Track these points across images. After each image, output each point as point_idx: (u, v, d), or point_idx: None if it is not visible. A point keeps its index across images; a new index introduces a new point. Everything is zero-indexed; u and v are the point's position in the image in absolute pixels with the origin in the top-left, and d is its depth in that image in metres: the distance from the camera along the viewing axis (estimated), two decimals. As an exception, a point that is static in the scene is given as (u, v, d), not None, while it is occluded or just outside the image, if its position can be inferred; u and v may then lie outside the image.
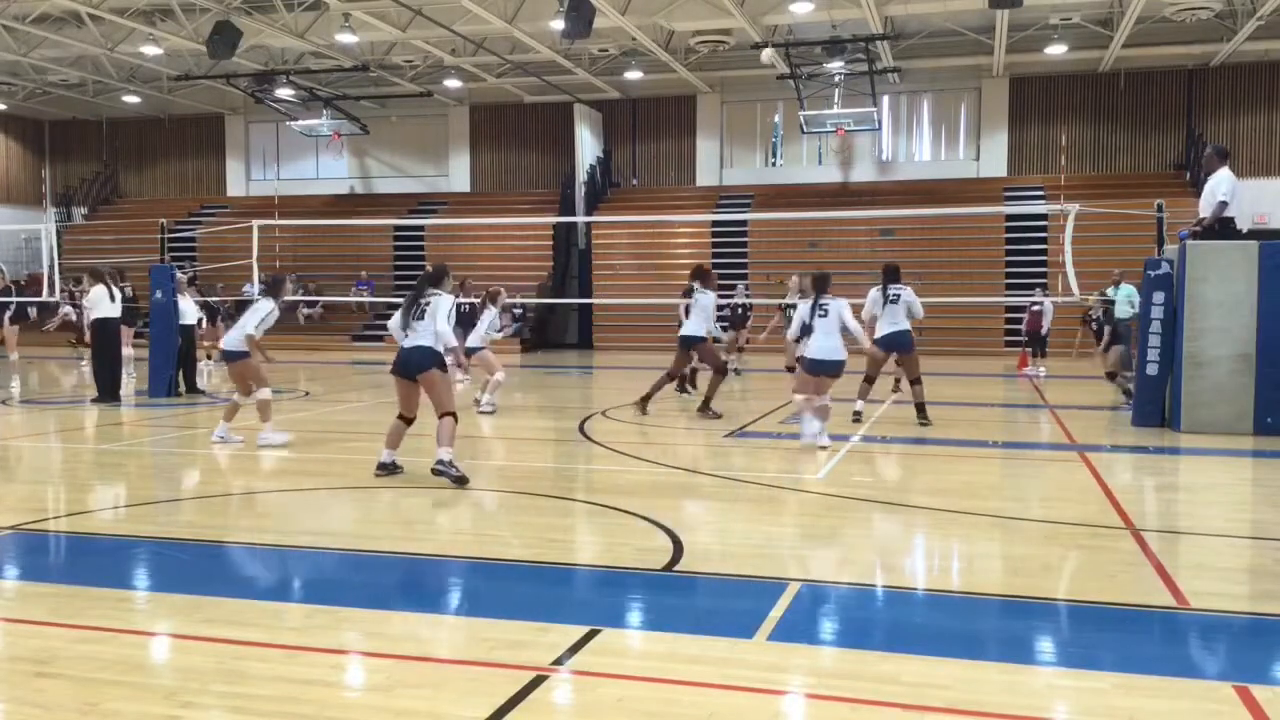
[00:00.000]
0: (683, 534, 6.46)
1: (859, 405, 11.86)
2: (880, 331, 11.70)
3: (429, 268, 8.91)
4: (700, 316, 12.32)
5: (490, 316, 13.42)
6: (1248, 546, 6.36)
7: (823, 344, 9.97)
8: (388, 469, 8.52)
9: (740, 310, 18.65)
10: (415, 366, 8.30)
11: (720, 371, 12.46)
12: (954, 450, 10.07)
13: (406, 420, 8.56)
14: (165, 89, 29.81)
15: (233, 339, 10.30)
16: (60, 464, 9.70)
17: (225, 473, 9.06)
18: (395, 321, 8.52)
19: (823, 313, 10.05)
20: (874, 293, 11.78)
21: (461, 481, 8.07)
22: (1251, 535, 6.66)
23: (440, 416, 8.24)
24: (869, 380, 11.93)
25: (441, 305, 8.35)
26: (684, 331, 12.47)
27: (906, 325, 11.74)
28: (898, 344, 11.74)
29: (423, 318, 8.34)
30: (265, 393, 10.33)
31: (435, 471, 8.15)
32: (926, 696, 3.87)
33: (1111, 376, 14.45)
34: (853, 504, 7.57)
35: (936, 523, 6.94)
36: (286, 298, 11.09)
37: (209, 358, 21.65)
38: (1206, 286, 10.88)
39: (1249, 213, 23.46)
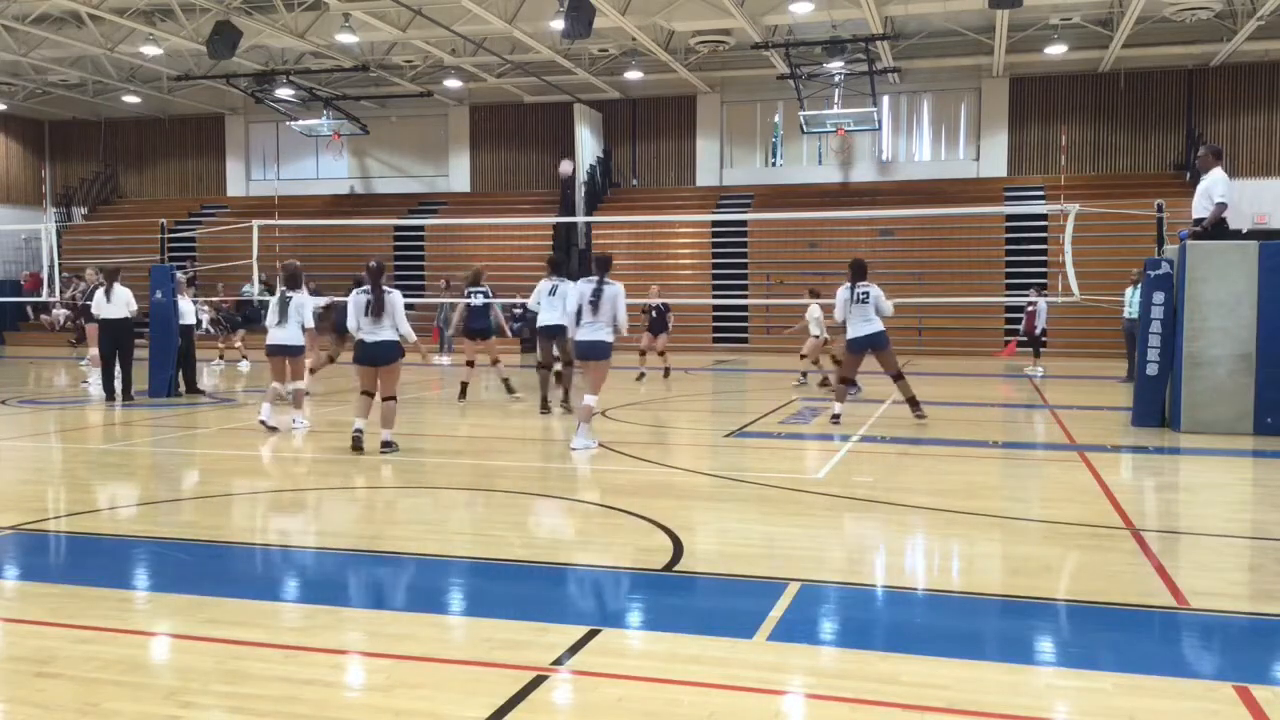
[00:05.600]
0: (683, 534, 6.46)
1: (837, 409, 11.73)
2: (852, 332, 11.56)
3: (373, 263, 10.00)
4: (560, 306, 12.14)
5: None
6: (1248, 546, 6.36)
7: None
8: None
9: (655, 313, 17.54)
10: (383, 357, 9.75)
11: (567, 364, 12.69)
12: (954, 450, 10.07)
13: (371, 395, 9.85)
14: (165, 89, 29.80)
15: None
16: (60, 464, 9.71)
17: (225, 473, 9.06)
18: (353, 321, 9.82)
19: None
20: (842, 293, 11.57)
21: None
22: (1251, 535, 6.66)
23: (386, 399, 9.74)
24: (844, 382, 11.91)
25: (397, 301, 9.74)
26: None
27: (879, 324, 11.50)
28: (872, 344, 11.56)
29: (377, 314, 9.67)
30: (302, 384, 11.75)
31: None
32: (926, 696, 3.87)
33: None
34: (853, 504, 7.57)
35: (936, 523, 6.94)
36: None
37: (221, 358, 21.68)
38: (1206, 286, 10.87)
39: (1249, 213, 23.51)
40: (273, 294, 12.11)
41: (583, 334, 9.88)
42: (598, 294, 9.79)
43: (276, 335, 11.23)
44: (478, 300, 14.20)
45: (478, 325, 14.26)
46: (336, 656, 4.38)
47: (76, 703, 3.84)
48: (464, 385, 14.30)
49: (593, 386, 9.95)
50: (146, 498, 8.10)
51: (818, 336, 15.70)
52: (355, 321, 9.67)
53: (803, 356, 16.45)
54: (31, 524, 6.90)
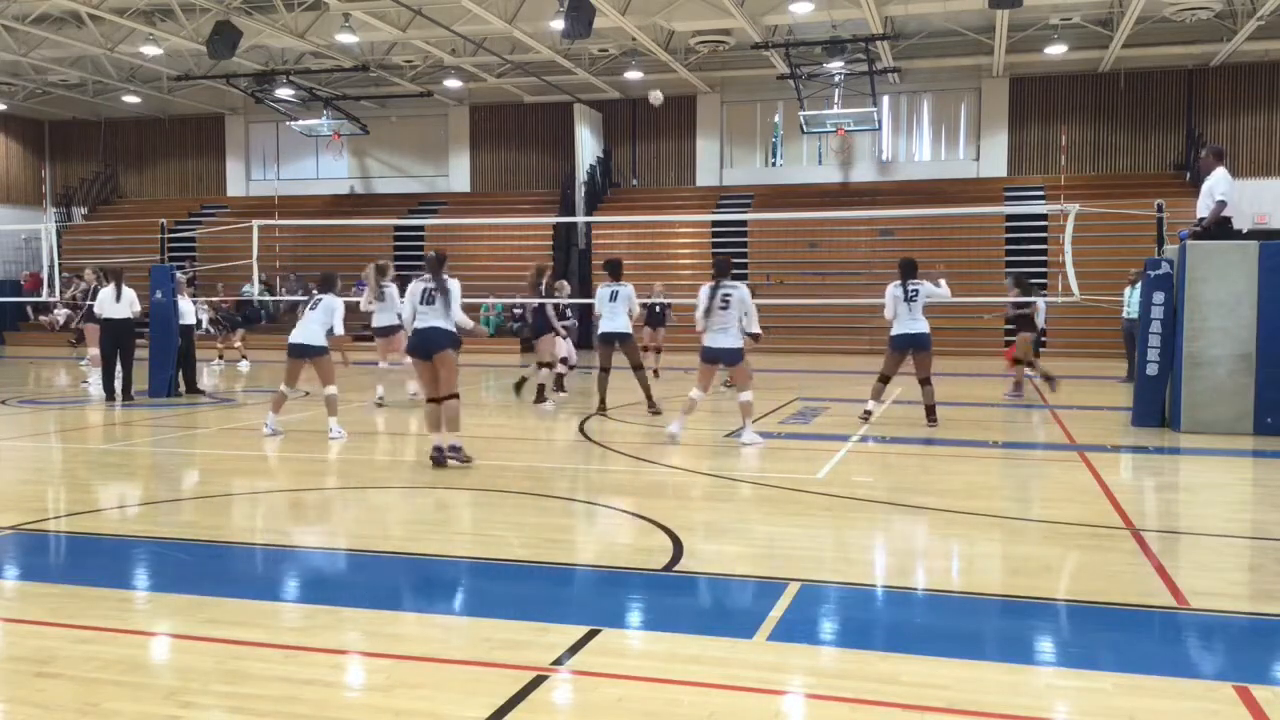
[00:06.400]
0: (683, 534, 6.46)
1: (870, 405, 11.83)
2: (897, 330, 11.53)
3: (433, 253, 9.40)
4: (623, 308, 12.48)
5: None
6: (1248, 546, 6.36)
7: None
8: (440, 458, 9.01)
9: (658, 309, 17.64)
10: (435, 345, 8.93)
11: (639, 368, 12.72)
12: (954, 450, 10.07)
13: (439, 401, 8.98)
14: (165, 89, 29.79)
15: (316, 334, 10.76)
16: (60, 464, 9.71)
17: (225, 473, 9.06)
18: (409, 310, 9.17)
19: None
20: (893, 289, 11.53)
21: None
22: (1251, 535, 6.66)
23: (445, 398, 8.91)
24: (884, 380, 11.88)
25: (454, 290, 9.02)
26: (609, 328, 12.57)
27: (925, 325, 11.50)
28: (914, 343, 11.53)
29: (433, 301, 8.96)
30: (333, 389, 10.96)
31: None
32: (926, 696, 3.87)
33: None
34: (853, 504, 7.57)
35: (936, 523, 6.94)
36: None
37: (221, 358, 21.67)
38: (1206, 286, 10.87)
39: (1249, 213, 23.48)
40: (272, 294, 12.08)
41: (709, 340, 10.17)
42: (726, 299, 10.01)
43: (295, 334, 10.76)
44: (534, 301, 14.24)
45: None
46: (336, 656, 4.38)
47: (76, 703, 3.84)
48: (522, 380, 14.49)
49: (740, 383, 10.48)
50: (146, 498, 8.10)
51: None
52: (411, 310, 9.14)
53: None
54: (31, 524, 6.90)
